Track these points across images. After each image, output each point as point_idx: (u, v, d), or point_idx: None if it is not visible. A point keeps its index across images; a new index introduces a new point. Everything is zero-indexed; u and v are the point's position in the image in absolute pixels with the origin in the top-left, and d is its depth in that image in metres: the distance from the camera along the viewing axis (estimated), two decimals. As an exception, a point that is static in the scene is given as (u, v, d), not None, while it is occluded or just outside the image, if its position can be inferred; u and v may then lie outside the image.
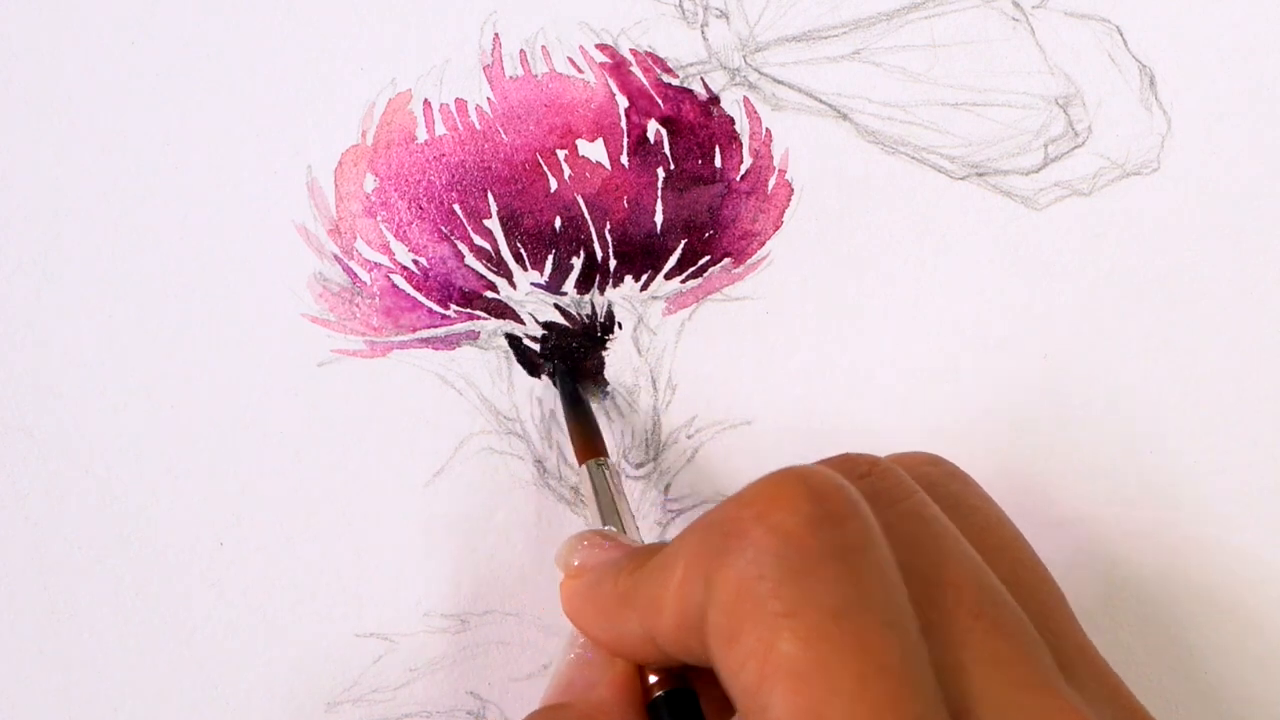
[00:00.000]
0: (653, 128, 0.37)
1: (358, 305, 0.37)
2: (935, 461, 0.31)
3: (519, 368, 0.37)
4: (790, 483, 0.26)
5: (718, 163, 0.37)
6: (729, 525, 0.26)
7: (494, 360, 0.37)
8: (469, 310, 0.37)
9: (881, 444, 0.33)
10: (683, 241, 0.37)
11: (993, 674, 0.26)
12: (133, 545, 0.37)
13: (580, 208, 0.37)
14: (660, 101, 0.37)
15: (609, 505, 0.34)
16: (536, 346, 0.37)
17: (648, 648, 0.29)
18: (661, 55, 0.38)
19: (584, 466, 0.35)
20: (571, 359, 0.37)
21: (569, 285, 0.37)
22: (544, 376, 0.37)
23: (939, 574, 0.27)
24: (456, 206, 0.37)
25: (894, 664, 0.24)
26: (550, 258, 0.37)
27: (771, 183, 0.38)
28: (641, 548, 0.31)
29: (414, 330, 0.37)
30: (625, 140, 0.37)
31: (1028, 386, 0.38)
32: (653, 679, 0.30)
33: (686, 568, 0.27)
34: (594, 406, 0.37)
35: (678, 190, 0.37)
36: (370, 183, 0.37)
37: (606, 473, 0.35)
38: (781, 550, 0.25)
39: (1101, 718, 0.26)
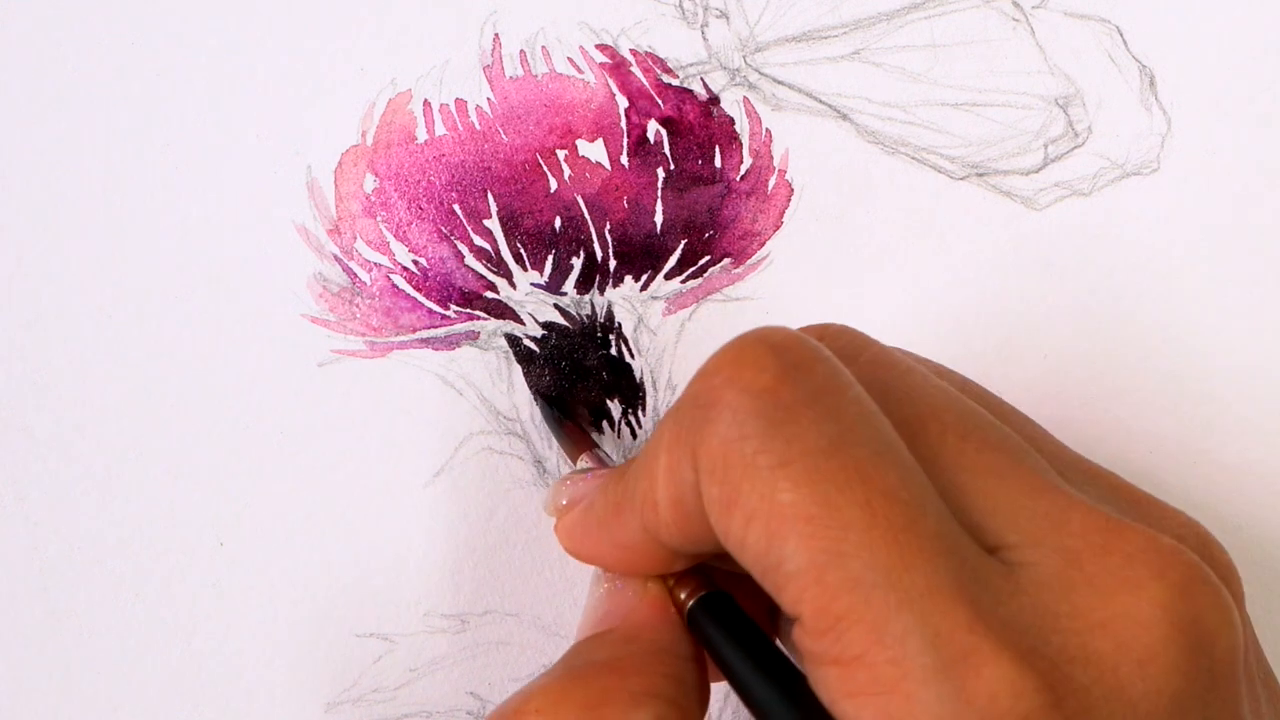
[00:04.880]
0: (653, 128, 0.37)
1: (358, 305, 0.37)
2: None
3: (519, 368, 0.37)
4: (751, 343, 0.26)
5: (718, 163, 0.37)
6: (701, 397, 0.26)
7: (494, 360, 0.37)
8: (469, 310, 0.37)
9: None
10: (683, 242, 0.37)
11: (995, 486, 0.25)
12: (133, 545, 0.37)
13: (580, 208, 0.37)
14: (660, 102, 0.37)
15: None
16: (536, 347, 0.37)
17: (657, 552, 0.28)
18: (661, 55, 0.38)
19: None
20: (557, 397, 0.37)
21: (569, 285, 0.37)
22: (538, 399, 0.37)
23: (916, 409, 0.26)
24: (456, 206, 0.37)
25: (896, 487, 0.24)
26: (550, 258, 0.37)
27: (771, 183, 0.38)
28: (623, 463, 0.31)
29: (414, 330, 0.37)
30: (625, 140, 0.37)
31: (1027, 386, 0.38)
32: (683, 595, 0.29)
33: (669, 451, 0.26)
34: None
35: (678, 190, 0.37)
36: (370, 183, 0.37)
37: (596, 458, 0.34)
38: (757, 406, 0.25)
39: (1108, 509, 0.26)
